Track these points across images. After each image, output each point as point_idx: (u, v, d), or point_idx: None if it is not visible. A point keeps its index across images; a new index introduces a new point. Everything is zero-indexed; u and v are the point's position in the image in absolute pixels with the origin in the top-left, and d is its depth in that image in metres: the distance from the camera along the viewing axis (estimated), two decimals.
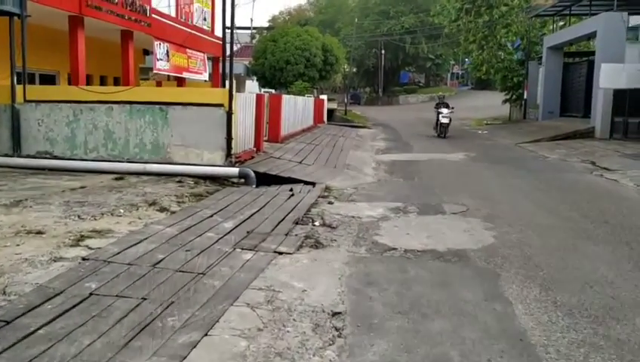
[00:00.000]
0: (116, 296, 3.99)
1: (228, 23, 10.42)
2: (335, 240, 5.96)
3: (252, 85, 32.32)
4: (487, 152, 16.10)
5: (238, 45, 44.06)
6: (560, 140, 18.67)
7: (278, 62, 27.94)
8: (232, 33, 10.12)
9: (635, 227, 6.80)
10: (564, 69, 25.21)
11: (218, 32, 19.82)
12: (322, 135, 20.11)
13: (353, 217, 7.19)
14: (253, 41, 45.06)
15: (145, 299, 3.96)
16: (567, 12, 25.13)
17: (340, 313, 3.92)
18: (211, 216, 6.69)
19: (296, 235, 6.02)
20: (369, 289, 4.45)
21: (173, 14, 18.69)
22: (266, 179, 9.86)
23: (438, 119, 21.54)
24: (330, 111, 31.76)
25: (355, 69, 54.08)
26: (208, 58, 21.37)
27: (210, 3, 22.05)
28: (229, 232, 5.95)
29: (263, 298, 4.09)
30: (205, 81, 21.41)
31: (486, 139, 21.11)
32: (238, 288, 4.26)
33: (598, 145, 16.42)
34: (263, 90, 27.75)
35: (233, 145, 10.02)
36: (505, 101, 31.51)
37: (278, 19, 58.36)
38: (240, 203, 7.62)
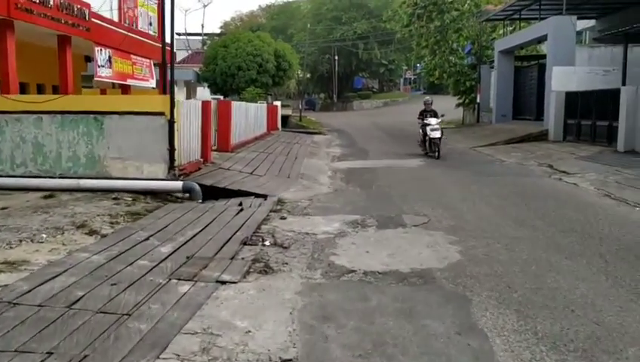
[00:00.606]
0: (15, 351, 3.24)
1: (169, 26, 9.71)
2: (287, 263, 5.33)
3: (203, 92, 31.33)
4: (443, 157, 15.78)
5: (189, 52, 43.01)
6: (515, 143, 18.63)
7: (230, 68, 27.14)
8: (172, 36, 9.38)
9: (605, 236, 6.45)
10: (516, 72, 25.41)
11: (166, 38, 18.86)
12: (276, 143, 19.45)
13: (307, 234, 6.59)
14: (205, 48, 43.95)
15: (51, 353, 3.22)
16: (517, 16, 25.36)
17: (290, 360, 3.29)
18: (147, 238, 5.94)
19: (242, 259, 5.35)
20: (325, 325, 3.83)
21: (116, 19, 17.65)
22: (213, 193, 9.12)
23: (425, 133, 16.25)
24: (285, 118, 31.17)
25: (309, 75, 53.71)
26: (155, 64, 20.36)
27: (155, 7, 21.05)
28: (165, 258, 5.22)
29: (197, 345, 3.41)
30: (153, 88, 20.39)
31: (441, 143, 20.85)
32: (169, 333, 3.56)
33: (553, 148, 16.39)
34: (212, 96, 26.83)
35: (176, 157, 9.26)
36: (458, 105, 31.61)
37: (230, 26, 57.55)
38: (182, 221, 6.89)
